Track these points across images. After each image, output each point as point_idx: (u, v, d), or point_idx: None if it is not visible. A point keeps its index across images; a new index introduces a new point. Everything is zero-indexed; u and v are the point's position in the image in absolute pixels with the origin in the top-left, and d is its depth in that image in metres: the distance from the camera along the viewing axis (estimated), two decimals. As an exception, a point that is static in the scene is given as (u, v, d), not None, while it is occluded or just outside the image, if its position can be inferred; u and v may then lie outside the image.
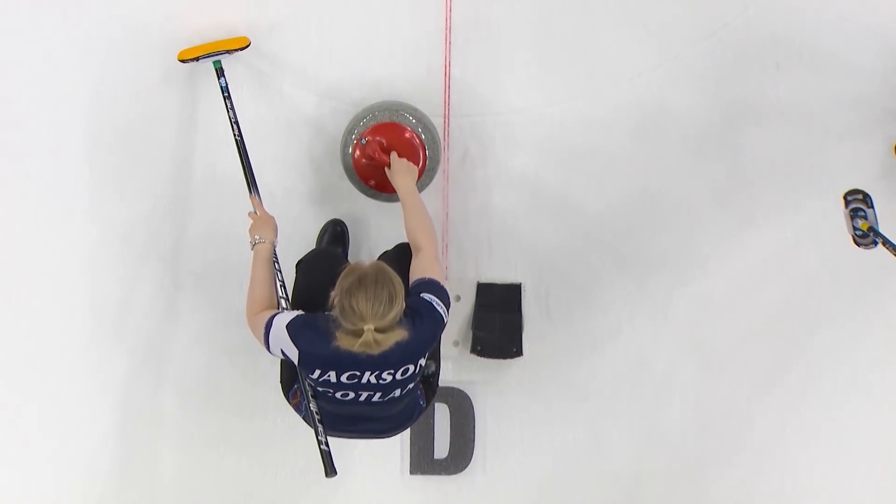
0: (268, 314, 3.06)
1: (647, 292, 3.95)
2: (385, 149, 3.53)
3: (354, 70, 3.76)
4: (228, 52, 3.60)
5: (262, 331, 3.03)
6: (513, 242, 3.89)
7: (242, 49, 3.62)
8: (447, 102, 3.75)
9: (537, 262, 3.90)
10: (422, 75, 3.75)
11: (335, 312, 2.86)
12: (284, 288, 3.31)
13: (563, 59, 3.79)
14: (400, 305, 2.83)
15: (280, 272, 3.31)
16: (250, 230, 3.30)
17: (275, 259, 3.28)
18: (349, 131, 3.56)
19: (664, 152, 3.85)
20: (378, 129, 3.57)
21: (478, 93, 3.80)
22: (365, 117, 3.57)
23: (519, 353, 3.88)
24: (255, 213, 3.38)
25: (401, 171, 3.41)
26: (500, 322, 3.84)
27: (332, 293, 2.88)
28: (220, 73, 3.57)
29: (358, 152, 3.56)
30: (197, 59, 3.59)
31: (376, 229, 3.86)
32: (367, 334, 2.81)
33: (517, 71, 3.79)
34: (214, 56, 3.58)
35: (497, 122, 3.83)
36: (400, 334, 2.85)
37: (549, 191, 3.86)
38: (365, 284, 2.81)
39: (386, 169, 3.49)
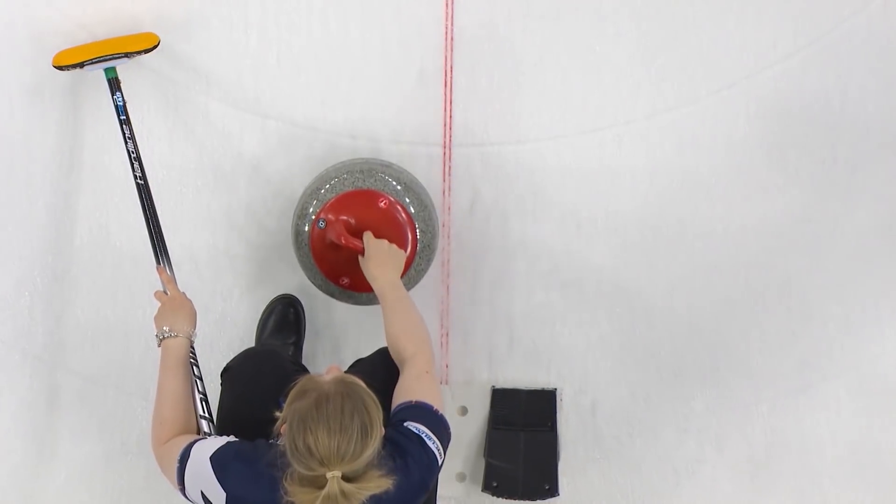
0: (183, 441, 2.71)
1: (740, 406, 3.52)
2: (354, 230, 3.17)
3: (312, 79, 3.35)
4: (128, 55, 3.20)
5: (175, 465, 2.67)
6: (544, 330, 3.50)
7: (148, 51, 3.22)
8: (448, 125, 3.35)
9: (580, 360, 3.51)
10: (411, 86, 3.32)
11: (283, 444, 2.51)
12: (206, 403, 2.93)
13: (617, 58, 3.34)
14: (377, 440, 2.50)
15: (200, 380, 2.94)
16: (157, 318, 2.94)
17: (193, 360, 2.92)
18: (301, 213, 3.22)
19: (774, 200, 3.40)
20: (342, 203, 3.20)
21: (493, 111, 3.37)
22: (322, 188, 3.20)
23: (553, 492, 3.50)
24: (165, 292, 3.02)
25: (378, 259, 3.08)
26: (525, 446, 3.50)
27: (279, 421, 2.56)
28: (114, 85, 3.18)
29: (316, 243, 3.23)
30: (81, 64, 3.17)
31: (345, 314, 3.44)
32: (332, 484, 2.45)
33: (549, 79, 3.36)
34: (107, 61, 3.19)
35: (521, 153, 3.40)
36: (379, 484, 2.49)
37: (599, 255, 3.44)
38: (326, 411, 2.48)
39: (360, 257, 3.13)
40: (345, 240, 3.14)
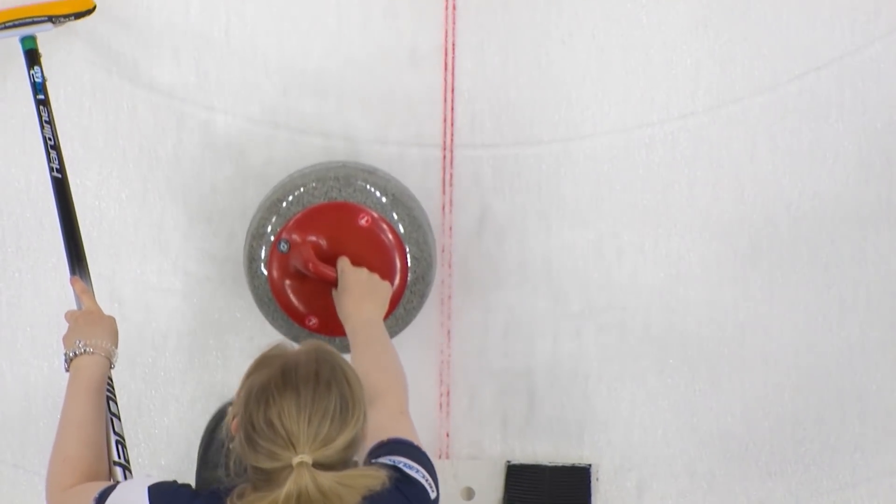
0: (102, 484, 2.41)
1: (833, 488, 3.18)
2: (325, 254, 2.96)
3: (271, 59, 3.04)
4: (52, 20, 3.01)
5: (92, 499, 2.35)
6: (574, 388, 3.18)
7: (80, 17, 3.02)
8: (448, 120, 3.08)
9: (621, 427, 3.21)
10: (400, 68, 3.03)
11: (234, 445, 2.21)
12: (123, 447, 2.69)
13: (671, 32, 3.02)
14: (359, 422, 2.21)
15: (117, 419, 2.67)
16: (67, 336, 2.67)
17: (110, 391, 2.66)
18: (256, 233, 3.01)
19: (878, 219, 3.07)
20: (311, 220, 3.02)
21: (507, 102, 3.08)
22: (285, 200, 3.03)
23: None
24: (80, 308, 2.80)
25: (355, 293, 2.89)
26: (550, 539, 3.30)
27: (229, 415, 2.27)
28: (32, 58, 2.99)
29: (276, 272, 3.01)
30: (-8, 30, 3.08)
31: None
32: (300, 473, 2.12)
33: (582, 60, 3.04)
34: (24, 26, 3.00)
35: (543, 157, 3.10)
36: (367, 475, 2.17)
37: (647, 290, 3.13)
38: (295, 378, 2.21)
39: (333, 290, 2.94)
40: (313, 267, 2.90)
